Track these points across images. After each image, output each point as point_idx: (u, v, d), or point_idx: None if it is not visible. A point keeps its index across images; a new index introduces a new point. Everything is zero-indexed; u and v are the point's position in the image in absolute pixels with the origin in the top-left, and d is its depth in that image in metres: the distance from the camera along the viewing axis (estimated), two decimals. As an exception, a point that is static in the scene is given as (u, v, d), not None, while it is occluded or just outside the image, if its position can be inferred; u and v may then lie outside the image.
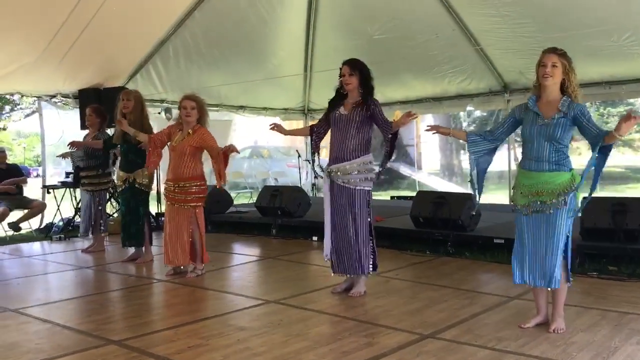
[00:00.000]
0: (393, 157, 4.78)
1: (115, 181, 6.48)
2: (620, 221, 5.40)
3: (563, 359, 3.19)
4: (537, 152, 3.59)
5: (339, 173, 4.60)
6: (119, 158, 6.53)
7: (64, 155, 7.46)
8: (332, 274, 4.81)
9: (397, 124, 4.51)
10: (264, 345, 3.53)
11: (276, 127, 5.00)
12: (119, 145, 6.32)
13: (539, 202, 3.60)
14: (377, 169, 4.73)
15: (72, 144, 6.97)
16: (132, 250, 6.37)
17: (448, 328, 3.80)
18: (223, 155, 5.36)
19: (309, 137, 5.12)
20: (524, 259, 3.70)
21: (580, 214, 3.65)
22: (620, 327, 3.73)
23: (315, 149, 4.98)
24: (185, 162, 5.40)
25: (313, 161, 5.05)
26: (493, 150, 3.97)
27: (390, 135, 4.55)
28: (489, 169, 4.03)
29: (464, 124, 16.49)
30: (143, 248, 6.32)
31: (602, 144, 3.45)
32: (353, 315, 4.18)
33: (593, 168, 3.56)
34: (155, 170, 6.44)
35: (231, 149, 5.39)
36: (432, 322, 3.93)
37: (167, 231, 5.52)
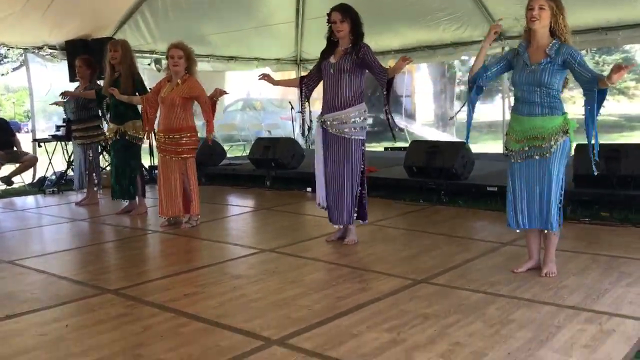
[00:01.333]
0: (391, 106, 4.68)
1: (107, 133, 6.36)
2: (614, 167, 5.41)
3: (554, 302, 3.24)
4: (528, 97, 3.57)
5: (333, 122, 4.53)
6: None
7: (57, 103, 7.34)
8: (333, 225, 4.78)
9: (393, 70, 4.41)
10: (260, 292, 3.57)
11: (265, 77, 4.90)
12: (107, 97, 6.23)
13: (533, 147, 3.58)
14: (370, 120, 4.67)
15: (65, 94, 6.87)
16: (125, 203, 6.36)
17: (441, 273, 3.84)
18: (210, 103, 5.37)
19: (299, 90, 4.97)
20: (518, 203, 3.70)
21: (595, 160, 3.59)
22: (610, 271, 3.78)
23: (304, 101, 4.86)
24: (175, 113, 5.33)
25: (303, 114, 4.94)
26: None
27: (386, 82, 4.44)
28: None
29: (459, 74, 16.33)
30: (136, 200, 6.31)
31: (597, 88, 3.41)
32: (347, 262, 4.22)
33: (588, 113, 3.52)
34: None
35: (218, 92, 5.42)
36: (425, 268, 3.98)
37: (161, 182, 5.52)
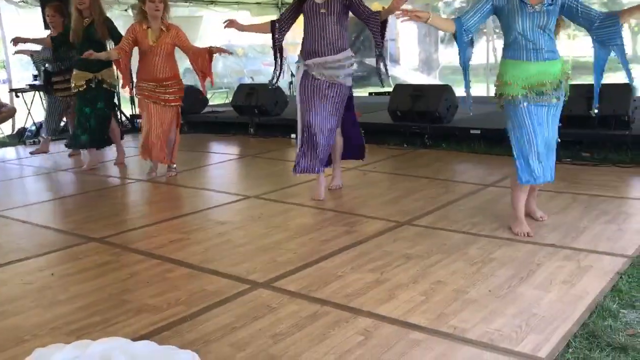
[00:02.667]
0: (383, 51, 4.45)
1: (72, 82, 5.91)
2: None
3: (534, 240, 3.30)
4: (533, 41, 3.32)
5: (322, 69, 4.30)
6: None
7: (22, 52, 7.06)
8: (319, 170, 4.67)
9: (388, 11, 4.17)
10: (245, 237, 3.60)
11: (231, 24, 4.55)
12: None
13: (540, 94, 3.36)
14: (355, 65, 4.50)
15: (16, 41, 6.39)
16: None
17: (424, 215, 3.88)
18: (209, 59, 5.29)
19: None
20: (533, 154, 3.35)
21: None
22: (589, 209, 3.85)
23: (278, 46, 4.52)
24: (167, 61, 5.25)
25: (276, 61, 4.57)
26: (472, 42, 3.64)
27: (379, 25, 4.22)
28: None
29: (443, 16, 16.08)
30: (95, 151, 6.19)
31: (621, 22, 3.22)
32: (332, 207, 4.25)
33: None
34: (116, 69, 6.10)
35: (222, 50, 5.41)
36: (408, 210, 4.02)
37: (153, 130, 5.33)
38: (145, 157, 5.52)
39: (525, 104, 3.35)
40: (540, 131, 3.36)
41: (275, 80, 4.62)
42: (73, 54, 6.17)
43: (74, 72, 5.89)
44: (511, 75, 3.39)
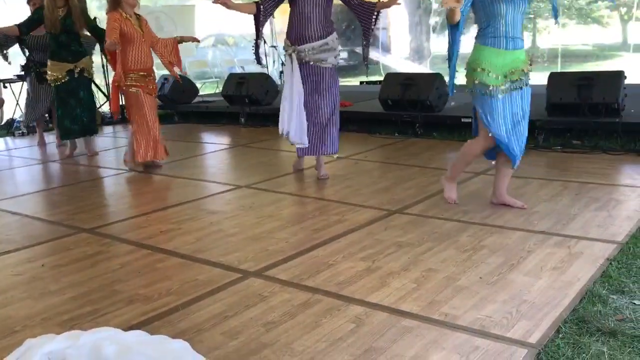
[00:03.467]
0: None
1: (50, 73, 5.80)
2: (586, 95, 5.44)
3: (525, 228, 3.32)
4: (512, 28, 3.36)
5: (312, 53, 4.35)
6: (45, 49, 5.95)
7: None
8: (299, 157, 4.79)
9: (385, 4, 4.25)
10: (237, 227, 3.59)
11: (220, 1, 4.36)
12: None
13: (513, 81, 3.44)
14: (345, 54, 4.56)
15: None
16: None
17: (415, 204, 3.89)
18: (176, 44, 5.37)
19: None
20: (513, 141, 3.49)
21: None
22: (580, 196, 3.87)
23: (260, 30, 4.49)
24: (149, 51, 5.25)
25: (258, 42, 4.54)
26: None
27: (371, 15, 4.29)
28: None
29: (434, 5, 16.03)
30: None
31: None
32: (323, 196, 4.25)
33: None
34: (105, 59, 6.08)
35: (191, 38, 5.45)
36: (399, 198, 4.02)
37: (152, 124, 5.23)
38: (149, 158, 5.26)
39: (500, 96, 3.43)
40: (512, 121, 3.48)
41: (261, 62, 4.69)
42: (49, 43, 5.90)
43: (51, 63, 5.75)
44: (488, 63, 3.42)
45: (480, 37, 3.47)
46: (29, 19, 5.78)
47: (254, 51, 4.54)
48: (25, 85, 8.24)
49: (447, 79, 6.68)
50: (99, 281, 2.84)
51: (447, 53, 3.56)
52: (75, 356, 1.74)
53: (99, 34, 5.80)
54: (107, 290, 2.73)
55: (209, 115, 8.41)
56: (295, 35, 4.41)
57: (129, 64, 5.11)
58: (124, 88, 5.13)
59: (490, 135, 3.49)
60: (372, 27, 4.37)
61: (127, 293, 2.68)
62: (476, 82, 3.47)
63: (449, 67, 3.53)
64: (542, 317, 2.27)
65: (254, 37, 4.52)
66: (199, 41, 5.57)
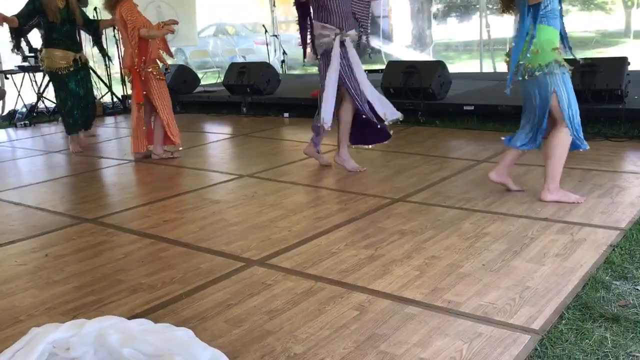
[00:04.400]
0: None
1: (59, 61, 5.70)
2: (589, 82, 5.41)
3: (528, 215, 3.31)
4: (560, 9, 3.41)
5: (350, 39, 4.42)
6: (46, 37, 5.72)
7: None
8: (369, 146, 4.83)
9: None
10: (240, 216, 3.60)
11: None
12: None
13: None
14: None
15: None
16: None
17: (418, 192, 3.89)
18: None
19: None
20: (577, 120, 3.49)
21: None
22: (583, 183, 3.86)
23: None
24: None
25: (307, 38, 4.52)
26: None
27: (367, 6, 4.39)
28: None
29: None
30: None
31: None
32: (326, 184, 4.25)
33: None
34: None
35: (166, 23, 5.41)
36: (402, 187, 4.02)
37: (168, 112, 5.31)
38: (167, 143, 5.39)
39: (566, 69, 3.41)
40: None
41: (308, 57, 4.68)
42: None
43: (58, 52, 5.66)
44: (555, 42, 3.41)
45: (544, 18, 3.39)
46: (26, 10, 5.64)
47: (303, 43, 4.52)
48: (28, 76, 8.25)
49: (450, 68, 6.69)
50: (103, 270, 2.85)
51: (512, 39, 3.49)
52: (79, 345, 1.76)
53: (93, 27, 5.99)
54: (110, 279, 2.74)
55: (211, 105, 8.39)
56: (342, 19, 4.34)
57: (149, 53, 5.18)
58: (145, 77, 5.18)
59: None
60: (366, 18, 4.46)
61: (130, 282, 2.69)
62: (554, 62, 3.37)
63: (513, 54, 3.45)
64: (545, 304, 2.28)
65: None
66: (172, 30, 5.44)
